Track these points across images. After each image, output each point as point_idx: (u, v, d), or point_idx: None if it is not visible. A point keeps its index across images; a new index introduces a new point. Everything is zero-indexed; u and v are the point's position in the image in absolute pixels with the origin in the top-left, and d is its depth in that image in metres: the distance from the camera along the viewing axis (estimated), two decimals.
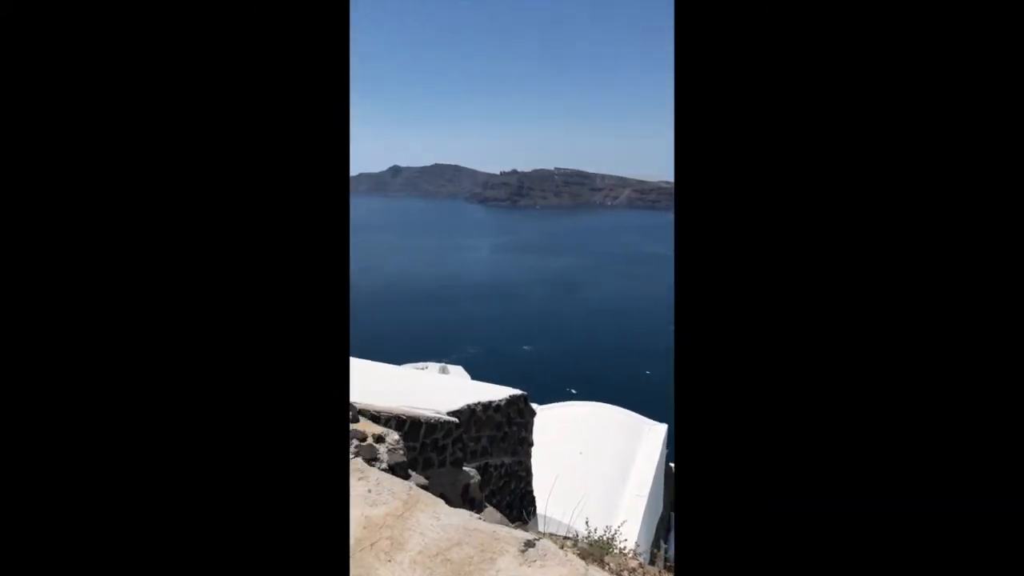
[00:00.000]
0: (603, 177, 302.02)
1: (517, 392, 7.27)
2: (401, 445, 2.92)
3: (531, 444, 7.82)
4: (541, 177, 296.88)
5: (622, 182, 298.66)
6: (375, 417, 3.98)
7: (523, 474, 7.61)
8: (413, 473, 2.84)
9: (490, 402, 6.50)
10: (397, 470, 2.71)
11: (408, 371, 11.19)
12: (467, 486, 5.57)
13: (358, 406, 3.76)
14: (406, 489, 2.35)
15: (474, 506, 5.60)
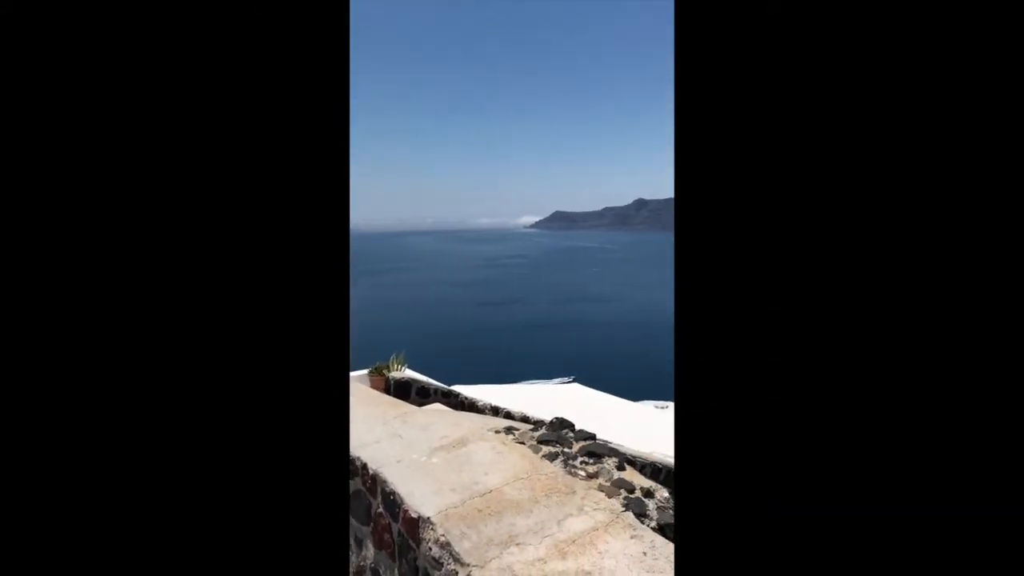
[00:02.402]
0: None
1: None
2: (670, 504, 2.72)
3: None
4: None
5: None
6: (631, 462, 3.85)
7: None
8: None
9: None
10: (667, 531, 2.51)
11: (648, 409, 10.83)
12: None
13: (621, 450, 3.68)
14: None
15: None
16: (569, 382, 14.84)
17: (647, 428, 7.45)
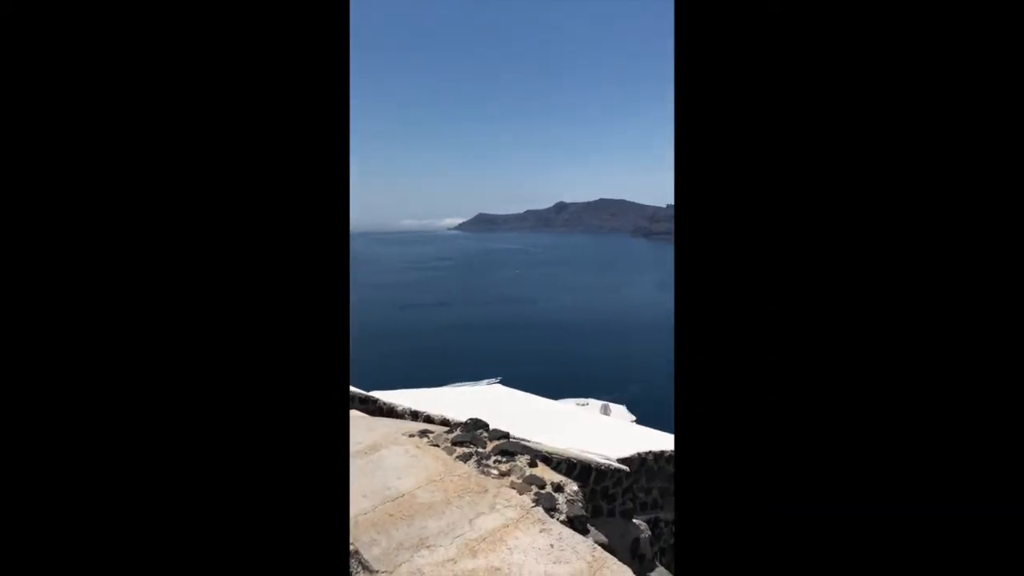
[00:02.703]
0: None
1: None
2: (580, 496, 2.80)
3: None
4: None
5: None
6: (546, 459, 3.93)
7: None
8: (592, 528, 2.71)
9: (662, 452, 6.12)
10: (576, 523, 2.59)
11: (570, 407, 11.08)
12: (637, 540, 5.23)
13: (532, 447, 3.75)
14: (590, 549, 2.22)
15: (643, 563, 5.25)
16: (496, 383, 14.91)
17: (567, 425, 7.62)
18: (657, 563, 5.45)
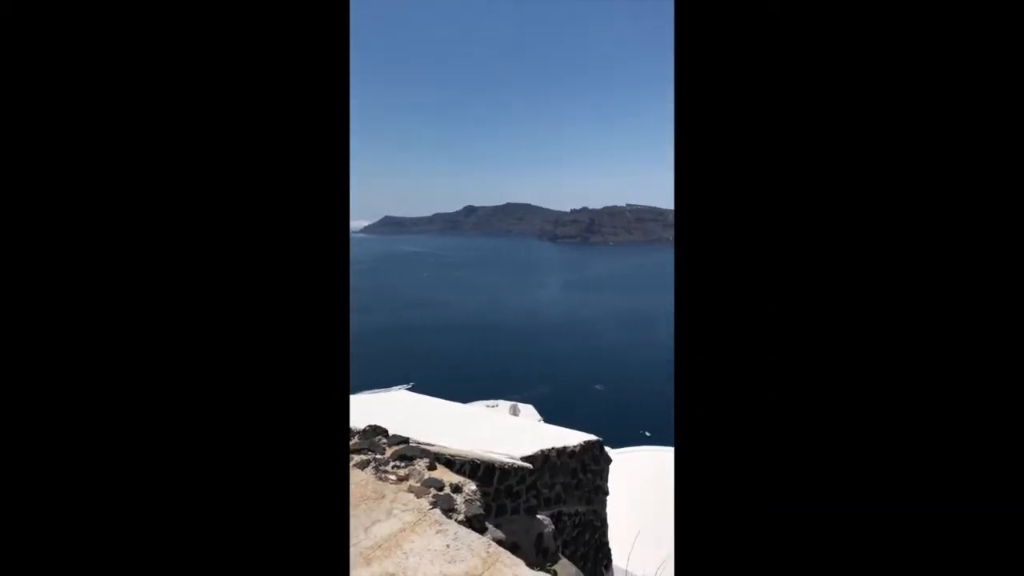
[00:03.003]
0: None
1: (592, 438, 7.02)
2: (478, 496, 2.84)
3: (606, 492, 7.50)
4: (612, 214, 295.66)
5: None
6: (449, 462, 3.95)
7: (598, 524, 7.28)
8: (490, 526, 2.76)
9: (564, 447, 6.32)
10: (474, 522, 2.63)
11: (479, 409, 11.14)
12: (541, 535, 5.38)
13: (432, 450, 3.75)
14: (485, 546, 2.26)
15: (548, 556, 5.39)
16: (405, 389, 14.67)
17: (475, 427, 7.65)
18: (560, 555, 5.62)
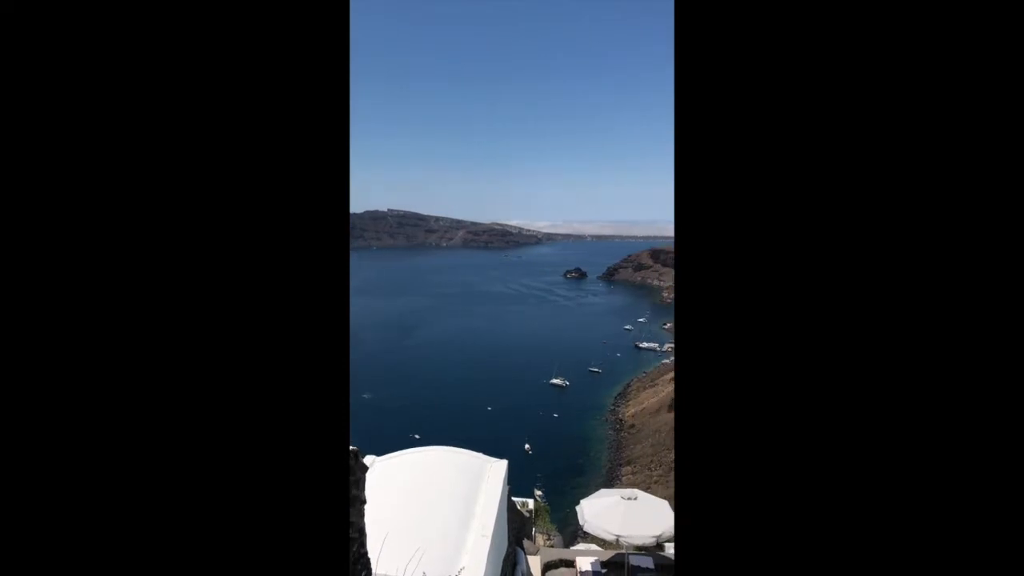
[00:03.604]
0: (437, 219, 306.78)
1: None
2: None
3: (363, 502, 7.29)
4: (374, 218, 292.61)
5: (456, 224, 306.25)
6: None
7: (355, 535, 7.02)
8: None
9: None
10: None
11: None
12: None
13: None
14: None
15: None
16: None
17: None
18: None
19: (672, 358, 73.76)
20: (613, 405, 63.54)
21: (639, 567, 8.50)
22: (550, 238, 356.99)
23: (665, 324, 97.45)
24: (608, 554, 9.96)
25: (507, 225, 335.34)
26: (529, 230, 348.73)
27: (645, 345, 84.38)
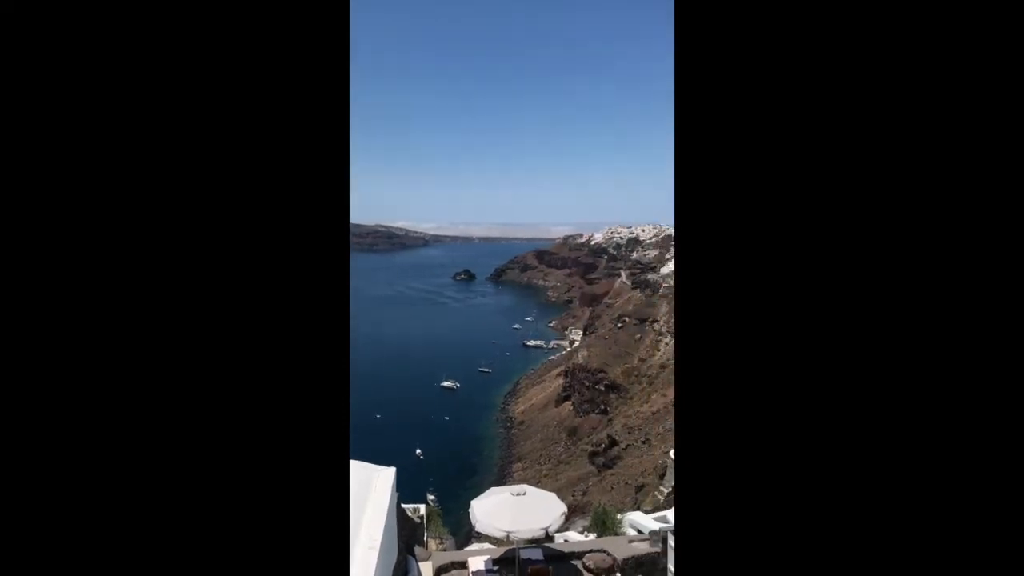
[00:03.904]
0: None
1: None
2: None
3: None
4: None
5: None
6: None
7: None
8: None
9: None
10: None
11: None
12: None
13: None
14: None
15: None
16: None
17: None
18: None
19: (558, 354, 76.68)
20: (503, 403, 64.55)
21: (529, 559, 8.69)
22: (438, 240, 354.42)
23: (551, 322, 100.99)
24: (500, 551, 10.08)
25: (392, 227, 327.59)
26: (415, 232, 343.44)
27: (532, 343, 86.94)
